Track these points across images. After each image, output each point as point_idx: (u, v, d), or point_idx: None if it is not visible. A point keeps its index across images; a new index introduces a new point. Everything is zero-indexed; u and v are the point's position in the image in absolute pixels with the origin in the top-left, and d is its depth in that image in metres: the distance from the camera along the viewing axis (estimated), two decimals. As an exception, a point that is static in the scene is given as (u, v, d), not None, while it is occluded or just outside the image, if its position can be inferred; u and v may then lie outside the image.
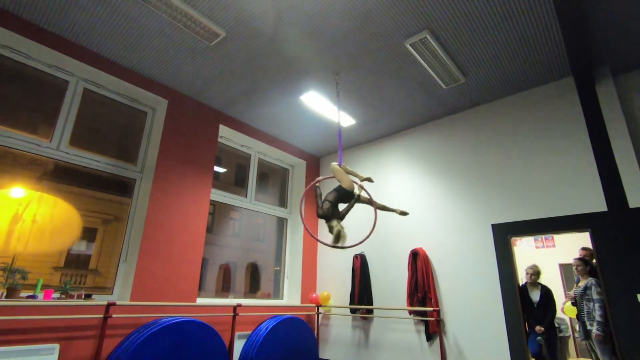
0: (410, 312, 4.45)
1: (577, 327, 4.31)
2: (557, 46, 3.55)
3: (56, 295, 3.25)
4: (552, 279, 6.16)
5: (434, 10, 3.15)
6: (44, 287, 3.27)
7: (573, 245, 6.86)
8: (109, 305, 3.26)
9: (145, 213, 3.88)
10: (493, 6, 3.10)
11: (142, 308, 3.60)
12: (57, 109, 3.68)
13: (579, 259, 3.82)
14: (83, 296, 3.37)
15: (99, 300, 3.48)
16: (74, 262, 3.77)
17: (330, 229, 3.22)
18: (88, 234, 3.86)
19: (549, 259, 6.77)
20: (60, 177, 3.72)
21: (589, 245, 4.28)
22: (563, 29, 3.20)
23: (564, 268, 6.83)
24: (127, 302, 3.48)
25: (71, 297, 3.31)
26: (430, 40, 3.45)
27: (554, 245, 6.99)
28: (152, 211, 3.92)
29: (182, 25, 3.32)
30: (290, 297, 5.51)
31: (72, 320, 3.12)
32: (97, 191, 3.98)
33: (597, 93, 3.78)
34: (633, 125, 3.66)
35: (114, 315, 3.28)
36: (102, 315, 3.22)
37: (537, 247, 7.20)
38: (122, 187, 4.09)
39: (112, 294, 3.72)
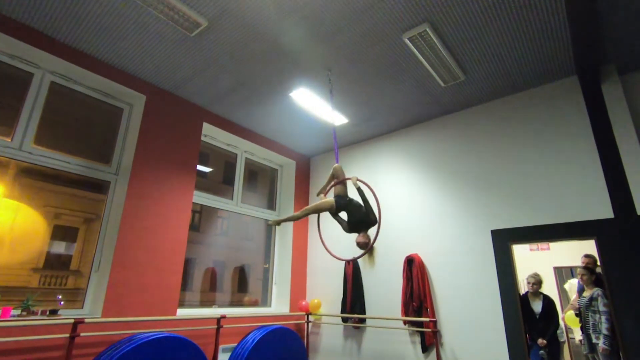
0: (405, 322, 4.23)
1: (575, 335, 4.16)
2: (563, 42, 3.34)
3: (16, 312, 2.92)
4: (546, 283, 6.02)
5: (435, 2, 2.90)
6: (4, 302, 2.94)
7: (568, 248, 6.72)
8: (77, 323, 2.94)
9: (119, 218, 3.55)
10: (499, -3, 2.86)
11: (116, 324, 3.28)
12: (19, 104, 3.32)
13: (584, 267, 3.64)
14: (47, 312, 3.05)
15: (68, 315, 3.16)
16: (55, 263, 3.48)
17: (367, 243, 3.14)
18: (68, 233, 3.60)
19: (544, 262, 6.63)
20: (37, 175, 3.42)
21: (585, 248, 4.12)
22: (571, 24, 2.99)
23: (558, 271, 6.70)
24: (98, 319, 3.16)
25: (34, 314, 2.99)
26: (430, 34, 3.19)
27: (548, 248, 6.85)
28: (128, 216, 3.60)
29: (158, 12, 2.99)
30: (279, 304, 5.24)
31: (33, 341, 2.80)
32: (78, 189, 3.67)
33: (602, 93, 3.59)
34: (641, 127, 3.48)
35: (82, 334, 2.96)
36: (68, 335, 2.89)
37: (531, 250, 7.04)
38: (104, 185, 3.78)
39: (82, 307, 3.39)
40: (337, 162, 3.60)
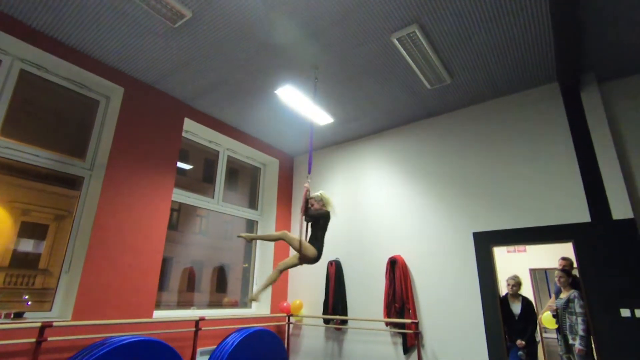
0: (387, 324, 4.22)
1: (556, 337, 4.25)
2: (546, 49, 3.41)
3: (-23, 315, 2.72)
4: (523, 285, 6.16)
5: (425, 3, 2.89)
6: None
7: (544, 251, 6.92)
8: (44, 326, 2.76)
9: (93, 216, 3.38)
10: (488, 3, 2.88)
11: (87, 327, 3.11)
12: (-16, 93, 3.11)
13: (562, 270, 3.73)
14: (12, 315, 2.85)
15: (35, 317, 2.98)
16: (22, 262, 3.29)
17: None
18: (37, 231, 3.41)
19: (520, 263, 6.80)
20: (3, 169, 3.21)
21: (561, 251, 4.23)
22: (555, 33, 3.04)
23: (534, 273, 6.90)
24: (67, 322, 2.99)
25: (-3, 317, 2.79)
26: (419, 36, 3.19)
27: (524, 250, 7.03)
28: (102, 214, 3.42)
29: (139, 0, 2.86)
30: (259, 306, 5.14)
31: (-4, 346, 2.61)
32: (47, 184, 3.48)
33: (582, 100, 3.68)
34: (617, 134, 3.59)
35: (49, 339, 2.79)
36: (34, 339, 2.71)
37: (508, 252, 7.20)
38: (77, 181, 3.59)
39: (50, 309, 3.20)
40: (310, 161, 3.49)
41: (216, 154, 5.14)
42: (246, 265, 5.43)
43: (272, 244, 5.34)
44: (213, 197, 4.92)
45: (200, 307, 4.62)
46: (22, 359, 2.73)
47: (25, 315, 2.96)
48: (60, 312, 3.19)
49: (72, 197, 3.58)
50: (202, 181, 5.09)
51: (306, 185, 3.20)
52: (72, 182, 3.58)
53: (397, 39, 3.25)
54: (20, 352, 2.72)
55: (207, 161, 5.17)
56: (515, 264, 6.66)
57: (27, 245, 3.37)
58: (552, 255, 6.44)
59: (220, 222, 5.33)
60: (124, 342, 3.05)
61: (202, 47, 3.44)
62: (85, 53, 3.54)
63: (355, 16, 3.05)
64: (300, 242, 2.94)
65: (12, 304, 3.05)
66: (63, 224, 3.51)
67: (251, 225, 5.60)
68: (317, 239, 3.04)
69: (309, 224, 3.13)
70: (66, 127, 3.71)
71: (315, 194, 3.23)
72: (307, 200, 3.14)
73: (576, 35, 3.00)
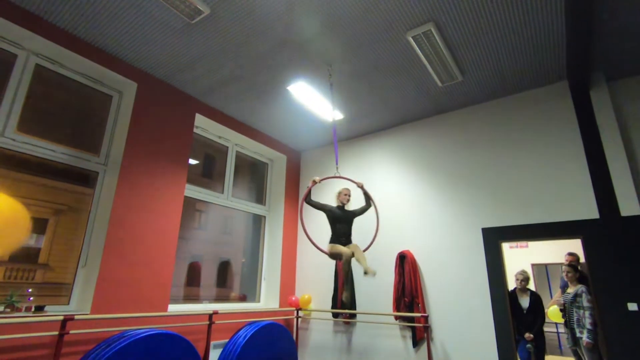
0: (397, 318, 4.29)
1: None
2: (558, 48, 3.46)
3: (-1, 308, 2.75)
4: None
5: (442, 2, 2.92)
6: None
7: (545, 246, 7.04)
8: (66, 320, 2.80)
9: (109, 211, 3.40)
10: (504, 1, 2.91)
11: (105, 320, 3.15)
12: (1, 88, 3.10)
13: (569, 265, 3.81)
14: (33, 309, 2.88)
15: (54, 311, 3.01)
16: (22, 256, 3.28)
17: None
18: (37, 225, 3.39)
19: (522, 259, 6.92)
20: (5, 163, 3.19)
21: (563, 248, 4.32)
22: (568, 31, 3.09)
23: (536, 268, 7.04)
24: (88, 316, 3.03)
25: (19, 310, 2.82)
26: (434, 34, 3.22)
27: (527, 246, 7.15)
28: (118, 209, 3.45)
29: (159, -3, 2.86)
30: (268, 300, 5.20)
31: (19, 339, 2.64)
32: (49, 179, 3.47)
33: (591, 98, 3.74)
34: (626, 132, 3.65)
35: (71, 332, 2.82)
36: (57, 332, 2.75)
37: (510, 247, 7.33)
38: (80, 176, 3.58)
39: (68, 303, 3.23)
40: (337, 161, 3.71)
41: (218, 148, 5.12)
42: (244, 260, 5.46)
43: (280, 236, 5.40)
44: (222, 192, 4.95)
45: (210, 301, 4.66)
46: (44, 351, 2.77)
47: (46, 308, 2.99)
48: (78, 305, 3.23)
49: (71, 191, 3.57)
50: (202, 176, 5.09)
51: (360, 183, 3.74)
52: (74, 177, 3.57)
53: (412, 37, 3.28)
54: (42, 345, 2.76)
55: (207, 156, 5.16)
56: (517, 259, 6.79)
57: (29, 240, 3.36)
58: (553, 251, 6.56)
59: (221, 216, 5.33)
60: (142, 335, 3.09)
61: (217, 44, 3.45)
62: (100, 48, 3.54)
63: (371, 15, 3.07)
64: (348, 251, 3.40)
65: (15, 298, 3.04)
66: (62, 219, 3.51)
67: (258, 220, 5.63)
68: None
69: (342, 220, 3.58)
70: (79, 122, 3.70)
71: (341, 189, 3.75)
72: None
73: (587, 34, 3.05)
